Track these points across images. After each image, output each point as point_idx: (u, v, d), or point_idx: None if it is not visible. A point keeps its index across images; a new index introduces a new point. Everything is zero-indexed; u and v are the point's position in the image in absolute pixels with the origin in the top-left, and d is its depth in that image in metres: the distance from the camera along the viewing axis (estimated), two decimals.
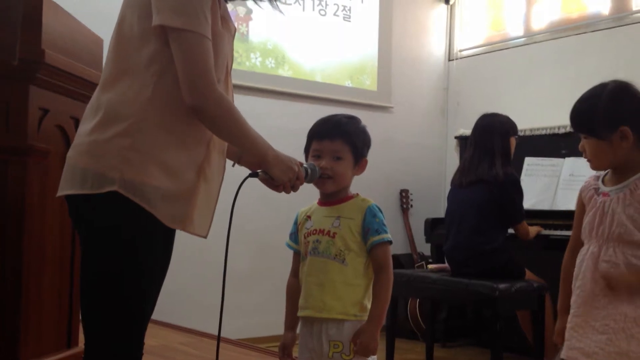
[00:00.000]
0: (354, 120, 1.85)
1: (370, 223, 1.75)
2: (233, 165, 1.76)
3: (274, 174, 1.65)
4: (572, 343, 1.83)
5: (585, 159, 1.89)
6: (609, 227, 1.79)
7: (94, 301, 1.51)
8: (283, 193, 1.76)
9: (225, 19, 1.63)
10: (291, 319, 1.85)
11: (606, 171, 1.90)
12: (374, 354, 1.74)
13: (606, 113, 1.80)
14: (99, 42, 2.26)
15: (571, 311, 1.86)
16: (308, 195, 1.97)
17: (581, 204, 1.93)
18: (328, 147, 1.79)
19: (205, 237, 1.62)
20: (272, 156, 1.64)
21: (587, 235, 1.86)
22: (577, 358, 1.81)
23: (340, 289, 1.73)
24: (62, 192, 1.55)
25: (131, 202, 1.46)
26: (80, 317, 1.56)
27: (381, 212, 1.79)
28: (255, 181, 1.76)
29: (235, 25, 4.34)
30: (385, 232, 1.76)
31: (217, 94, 1.51)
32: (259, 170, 1.67)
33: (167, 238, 1.58)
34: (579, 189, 1.96)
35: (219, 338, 1.70)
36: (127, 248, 1.49)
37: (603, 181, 1.88)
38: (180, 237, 1.76)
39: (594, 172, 1.97)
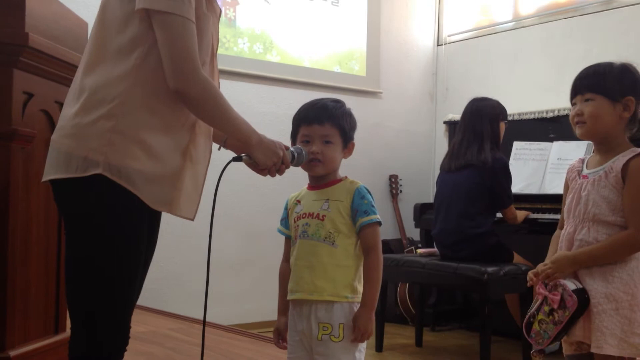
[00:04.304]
0: (340, 103, 1.85)
1: (358, 205, 1.75)
2: (219, 149, 1.75)
3: (258, 158, 1.65)
4: None
5: (577, 126, 1.87)
6: (584, 208, 1.84)
7: (79, 286, 1.50)
8: (271, 178, 1.76)
9: (210, 0, 1.62)
10: (285, 304, 1.85)
11: (590, 155, 1.93)
12: (369, 337, 1.75)
13: (619, 77, 1.84)
14: (83, 25, 2.23)
15: (547, 288, 1.88)
16: (297, 181, 1.96)
17: (567, 185, 1.97)
18: (317, 131, 1.78)
19: (192, 219, 1.62)
20: (256, 140, 1.63)
21: (567, 217, 1.91)
22: None
23: (330, 271, 1.73)
24: (47, 177, 1.54)
25: (116, 184, 1.45)
26: (67, 303, 1.55)
27: (370, 193, 1.79)
28: (244, 169, 1.75)
29: (223, 10, 4.28)
30: (374, 213, 1.76)
31: (201, 78, 1.50)
32: (242, 155, 1.67)
33: (152, 221, 1.58)
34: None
35: (204, 322, 1.69)
36: (112, 231, 1.48)
37: (587, 165, 1.91)
38: (169, 224, 1.75)
39: (581, 155, 2.00)
